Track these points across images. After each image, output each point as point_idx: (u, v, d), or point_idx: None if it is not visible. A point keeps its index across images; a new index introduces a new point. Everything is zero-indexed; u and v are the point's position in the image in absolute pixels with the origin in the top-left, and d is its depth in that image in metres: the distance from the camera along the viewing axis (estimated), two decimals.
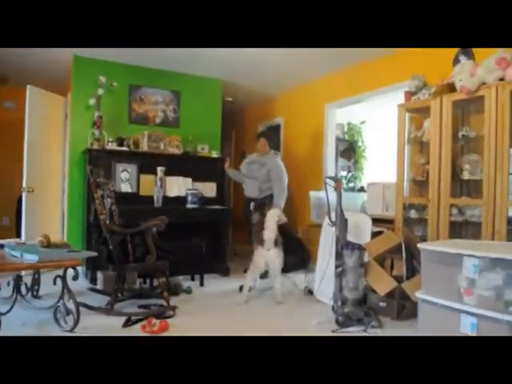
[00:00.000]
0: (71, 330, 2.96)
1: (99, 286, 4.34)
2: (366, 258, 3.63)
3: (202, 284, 4.65)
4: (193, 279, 4.84)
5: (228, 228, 5.57)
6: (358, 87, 5.31)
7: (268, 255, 3.92)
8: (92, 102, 5.15)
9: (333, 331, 3.16)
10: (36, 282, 3.79)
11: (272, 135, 5.58)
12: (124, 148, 5.16)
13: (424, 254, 2.89)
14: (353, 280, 3.43)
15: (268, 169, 5.01)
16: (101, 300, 3.73)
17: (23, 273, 3.82)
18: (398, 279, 3.55)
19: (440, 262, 2.74)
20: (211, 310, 3.77)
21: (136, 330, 3.10)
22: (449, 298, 2.64)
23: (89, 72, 5.22)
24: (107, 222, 3.65)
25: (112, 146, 5.09)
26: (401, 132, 4.16)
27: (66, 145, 5.48)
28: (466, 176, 3.67)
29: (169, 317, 3.42)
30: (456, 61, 3.75)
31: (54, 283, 3.32)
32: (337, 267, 3.46)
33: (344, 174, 6.79)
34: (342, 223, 3.51)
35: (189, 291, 4.28)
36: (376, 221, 4.20)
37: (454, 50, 3.77)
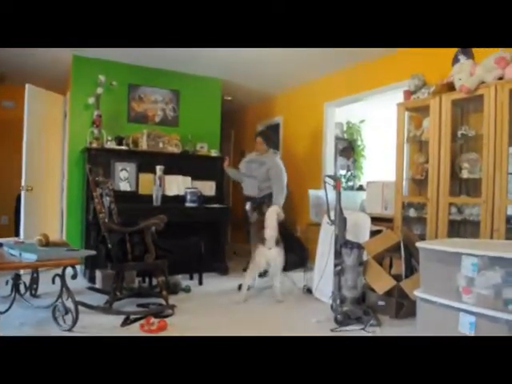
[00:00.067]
0: (70, 329, 2.96)
1: (98, 285, 4.34)
2: (364, 257, 3.62)
3: (200, 283, 4.65)
4: (191, 278, 4.84)
5: (227, 227, 5.57)
6: (357, 86, 5.31)
7: (269, 254, 3.91)
8: (91, 100, 5.15)
9: (332, 330, 3.16)
10: (35, 280, 3.79)
11: (271, 134, 5.57)
12: (123, 147, 5.16)
13: (423, 252, 2.89)
14: (352, 279, 3.42)
15: (267, 168, 5.02)
16: (99, 299, 3.73)
17: (22, 272, 3.82)
18: (397, 278, 3.55)
19: (439, 260, 2.74)
20: (210, 308, 3.77)
21: (135, 329, 3.10)
22: (447, 296, 2.64)
23: (88, 71, 5.21)
24: (106, 220, 3.65)
25: (111, 145, 5.08)
26: (400, 131, 4.16)
27: (65, 144, 5.48)
28: (465, 175, 3.68)
29: (167, 316, 3.42)
30: (455, 60, 3.75)
31: (53, 282, 3.32)
32: (336, 266, 3.46)
33: (343, 172, 6.79)
34: (341, 222, 3.51)
35: (188, 290, 4.28)
36: (375, 220, 4.20)
37: (454, 50, 3.77)
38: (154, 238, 3.77)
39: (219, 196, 5.60)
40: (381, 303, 3.56)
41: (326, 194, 3.71)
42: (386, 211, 4.43)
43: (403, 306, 3.44)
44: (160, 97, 5.71)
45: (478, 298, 2.48)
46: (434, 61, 4.02)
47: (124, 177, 5.06)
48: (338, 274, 3.44)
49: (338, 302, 3.41)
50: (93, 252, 3.40)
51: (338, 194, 3.56)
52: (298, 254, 5.37)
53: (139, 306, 3.67)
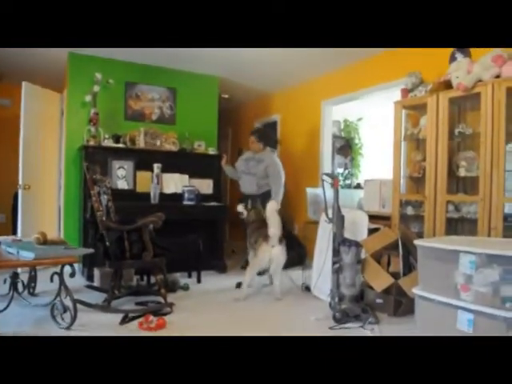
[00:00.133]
0: (68, 328, 2.95)
1: (96, 283, 4.33)
2: (362, 255, 3.63)
3: (199, 281, 4.65)
4: (190, 276, 4.84)
5: (225, 225, 5.57)
6: (354, 84, 5.31)
7: (273, 252, 3.91)
8: (88, 98, 5.13)
9: (330, 328, 3.16)
10: (33, 279, 3.78)
11: (266, 133, 5.58)
12: (120, 145, 5.15)
13: (421, 250, 2.90)
14: (350, 276, 3.43)
15: (265, 165, 5.04)
16: (98, 297, 3.72)
17: (20, 270, 3.81)
18: (395, 276, 3.56)
19: (437, 258, 2.76)
20: (208, 306, 3.77)
21: (133, 327, 3.10)
22: (445, 294, 2.65)
23: (84, 69, 5.19)
24: (104, 218, 3.64)
25: (108, 143, 5.07)
26: (397, 129, 4.17)
27: (62, 142, 5.46)
28: (462, 173, 3.69)
29: (166, 314, 3.41)
30: (452, 58, 3.77)
31: (51, 280, 3.31)
32: (334, 264, 3.47)
33: (340, 170, 6.81)
34: (339, 220, 3.52)
35: (186, 288, 4.28)
36: (373, 218, 4.21)
37: (451, 48, 3.78)
38: (152, 236, 3.77)
39: (217, 194, 5.60)
40: (379, 301, 3.57)
41: (324, 192, 3.72)
42: (383, 209, 4.45)
43: (401, 303, 3.45)
44: (157, 95, 5.70)
45: (476, 296, 2.49)
46: (432, 59, 4.03)
47: (121, 175, 5.05)
48: (337, 271, 3.45)
49: (337, 299, 3.42)
50: (91, 250, 3.40)
51: (336, 192, 3.56)
52: (296, 252, 5.38)
53: (137, 304, 3.67)
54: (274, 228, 3.90)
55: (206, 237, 5.04)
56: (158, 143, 5.35)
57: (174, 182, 5.29)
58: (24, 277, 3.76)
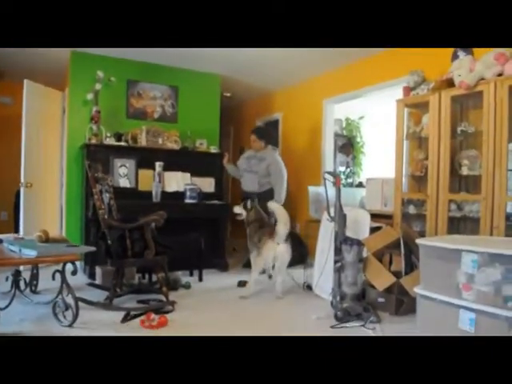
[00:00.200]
0: (70, 325, 2.96)
1: (98, 281, 4.34)
2: (364, 254, 3.63)
3: (200, 279, 4.65)
4: (191, 274, 4.84)
5: (226, 223, 5.56)
6: (356, 83, 5.30)
7: (278, 249, 3.91)
8: (90, 96, 5.13)
9: (332, 326, 3.16)
10: (35, 277, 3.78)
11: (267, 131, 5.59)
12: (122, 143, 5.15)
13: (422, 249, 2.90)
14: (351, 275, 3.43)
15: (267, 164, 5.05)
16: (99, 295, 3.73)
17: (22, 268, 3.82)
18: (397, 274, 3.56)
19: (438, 257, 2.75)
20: (210, 304, 3.77)
21: (135, 325, 3.10)
22: (447, 293, 2.64)
23: (86, 67, 5.19)
24: (106, 216, 3.64)
25: (110, 141, 5.08)
26: (399, 127, 4.16)
27: (64, 140, 5.47)
28: (464, 171, 3.68)
29: (168, 312, 3.42)
30: (455, 56, 3.75)
31: (53, 278, 3.33)
32: (336, 262, 3.47)
33: (342, 169, 6.80)
34: (340, 218, 3.51)
35: (187, 286, 4.28)
36: (375, 216, 4.21)
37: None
38: (154, 235, 3.77)
39: (218, 192, 5.60)
40: (381, 300, 3.57)
41: (326, 191, 3.71)
42: (385, 208, 4.44)
43: (403, 302, 3.44)
44: (159, 93, 5.70)
45: (477, 295, 2.48)
46: (434, 57, 4.01)
47: (123, 173, 5.05)
48: (338, 270, 3.44)
49: (338, 298, 3.42)
50: (92, 248, 3.39)
51: (338, 191, 3.56)
52: (297, 251, 5.38)
53: (139, 302, 3.67)
54: (285, 225, 3.89)
55: (208, 235, 5.04)
56: (160, 141, 5.36)
57: (176, 181, 5.29)
58: (26, 275, 3.77)
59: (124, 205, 4.15)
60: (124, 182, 5.04)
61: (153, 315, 3.15)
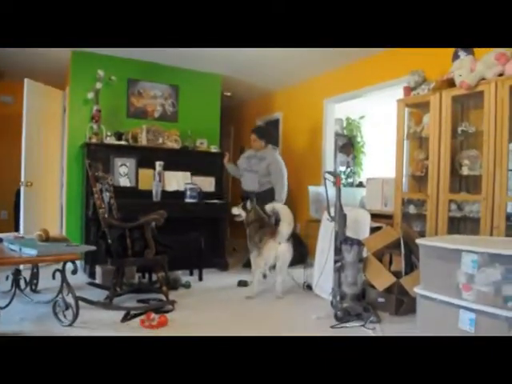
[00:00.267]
0: (70, 325, 2.96)
1: (98, 281, 4.34)
2: (364, 254, 3.63)
3: (200, 279, 4.65)
4: (191, 274, 4.84)
5: (226, 222, 5.56)
6: (357, 82, 5.30)
7: (279, 249, 3.91)
8: (90, 95, 5.13)
9: (332, 326, 3.16)
10: (35, 276, 3.79)
11: (267, 130, 5.59)
12: (122, 142, 5.15)
13: (423, 249, 2.89)
14: (352, 275, 3.43)
15: (267, 163, 5.06)
16: (100, 294, 3.73)
17: (22, 267, 3.82)
18: (397, 274, 3.56)
19: (439, 257, 2.75)
20: (210, 304, 3.77)
21: (135, 325, 3.10)
22: (447, 293, 2.64)
23: (87, 66, 5.19)
24: (106, 216, 3.64)
25: (110, 140, 5.07)
26: (400, 127, 4.16)
27: (65, 139, 5.47)
28: (465, 171, 3.67)
29: (168, 311, 3.42)
30: (455, 56, 3.75)
31: (53, 277, 3.33)
32: (336, 262, 3.47)
33: (343, 169, 6.80)
34: (341, 218, 3.52)
35: (187, 286, 4.28)
36: (375, 216, 4.21)
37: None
38: (154, 234, 3.77)
39: (219, 192, 5.60)
40: (381, 300, 3.57)
41: (326, 191, 3.71)
42: (385, 208, 4.43)
43: (403, 302, 3.44)
44: (159, 92, 5.70)
45: (477, 295, 2.48)
46: (434, 57, 4.01)
47: (124, 172, 5.05)
48: (338, 270, 3.44)
49: (338, 298, 3.42)
50: (93, 247, 3.39)
51: (338, 191, 3.56)
52: (297, 251, 5.38)
53: (139, 301, 3.68)
54: (289, 225, 3.89)
55: (208, 234, 5.04)
56: (160, 141, 5.36)
57: (176, 180, 5.29)
58: (26, 274, 3.77)
59: (124, 204, 4.15)
60: (124, 181, 5.04)
61: (153, 315, 3.15)
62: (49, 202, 5.41)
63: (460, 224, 3.80)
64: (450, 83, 3.68)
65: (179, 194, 5.17)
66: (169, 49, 4.96)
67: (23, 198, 4.82)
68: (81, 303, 3.07)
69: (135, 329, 3.02)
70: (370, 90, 5.21)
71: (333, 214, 3.58)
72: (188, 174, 5.40)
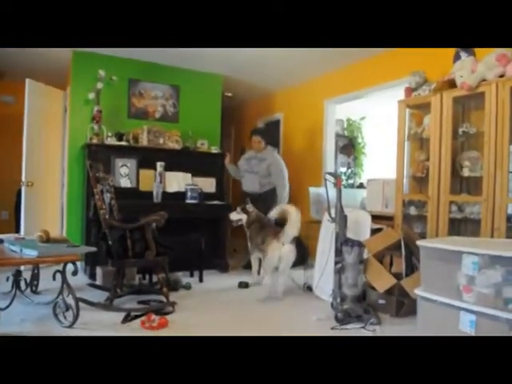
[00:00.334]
0: (70, 326, 2.96)
1: (98, 282, 4.34)
2: (365, 255, 3.63)
3: (201, 280, 4.65)
4: (192, 275, 4.84)
5: (227, 224, 5.56)
6: (357, 83, 5.29)
7: (283, 250, 3.90)
8: (91, 96, 5.13)
9: (332, 328, 3.16)
10: (35, 277, 3.79)
11: (267, 131, 5.60)
12: (123, 143, 5.15)
13: (423, 251, 2.89)
14: (352, 277, 3.43)
15: (268, 164, 5.06)
16: (100, 295, 3.73)
17: (22, 268, 3.82)
18: (397, 276, 3.55)
19: (439, 259, 2.75)
20: (210, 305, 3.77)
21: (135, 326, 3.10)
22: (448, 295, 2.64)
23: (88, 66, 5.19)
24: (106, 217, 3.64)
25: (111, 141, 5.07)
26: (401, 128, 4.16)
27: (66, 139, 5.47)
28: (465, 173, 3.67)
29: (168, 313, 3.42)
30: (456, 57, 3.74)
31: (54, 278, 3.32)
32: (336, 264, 3.46)
33: (343, 170, 6.79)
34: (341, 220, 3.51)
35: (188, 287, 4.28)
36: (375, 217, 4.20)
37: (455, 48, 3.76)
38: (155, 235, 3.77)
39: (219, 193, 5.60)
40: (381, 301, 3.57)
41: (327, 192, 3.71)
42: (386, 209, 4.43)
43: (404, 304, 3.44)
44: (160, 92, 5.70)
45: (478, 297, 2.48)
46: (435, 58, 4.01)
47: (124, 173, 5.05)
48: (339, 271, 3.44)
49: (339, 300, 3.41)
50: (93, 248, 3.40)
51: (339, 192, 3.55)
52: (297, 252, 5.38)
53: (140, 302, 3.67)
54: (295, 228, 3.89)
55: (209, 235, 5.04)
56: (161, 141, 5.36)
57: (177, 181, 5.29)
58: (27, 275, 3.78)
59: (125, 205, 4.15)
60: (125, 182, 5.04)
61: (153, 316, 3.15)
62: (49, 203, 5.42)
63: (460, 225, 3.79)
64: (451, 84, 3.68)
65: (180, 195, 5.17)
66: (169, 49, 4.96)
67: (24, 199, 4.83)
68: (81, 304, 3.07)
69: (136, 330, 3.02)
70: (371, 90, 5.20)
71: (333, 215, 3.58)
72: (189, 174, 5.40)
